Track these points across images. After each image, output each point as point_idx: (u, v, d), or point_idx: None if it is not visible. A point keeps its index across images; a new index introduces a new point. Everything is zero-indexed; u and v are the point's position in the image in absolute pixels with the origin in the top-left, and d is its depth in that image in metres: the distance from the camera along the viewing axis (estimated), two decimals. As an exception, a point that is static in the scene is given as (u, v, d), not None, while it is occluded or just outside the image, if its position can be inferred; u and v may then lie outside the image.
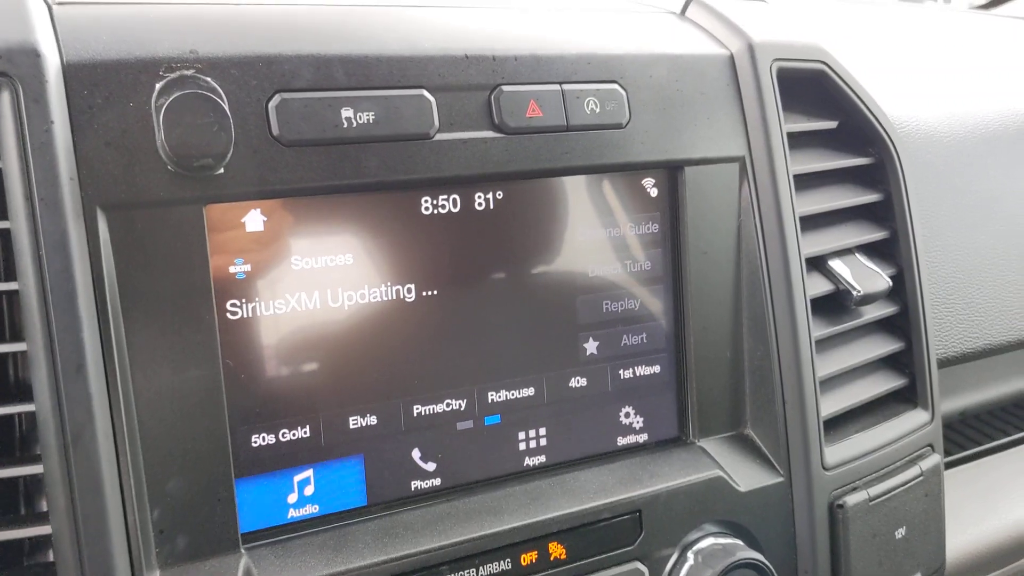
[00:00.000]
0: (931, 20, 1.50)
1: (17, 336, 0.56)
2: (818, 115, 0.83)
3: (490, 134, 0.65)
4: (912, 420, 0.85)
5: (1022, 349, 1.06)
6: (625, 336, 0.73)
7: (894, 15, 1.47)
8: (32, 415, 0.55)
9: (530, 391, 0.69)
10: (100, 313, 0.53)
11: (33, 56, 0.52)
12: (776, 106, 0.76)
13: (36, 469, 0.52)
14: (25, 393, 0.56)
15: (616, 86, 0.69)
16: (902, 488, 0.81)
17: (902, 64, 1.16)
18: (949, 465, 1.11)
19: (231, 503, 0.59)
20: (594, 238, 0.71)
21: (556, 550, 0.66)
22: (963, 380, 1.17)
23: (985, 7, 2.04)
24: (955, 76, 1.16)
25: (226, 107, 0.55)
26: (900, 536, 0.81)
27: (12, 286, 0.52)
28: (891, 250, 0.87)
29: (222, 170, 0.56)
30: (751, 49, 0.76)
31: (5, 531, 0.52)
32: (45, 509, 0.57)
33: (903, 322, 0.87)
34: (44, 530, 0.52)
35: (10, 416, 0.57)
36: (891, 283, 0.83)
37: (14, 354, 0.57)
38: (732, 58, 0.76)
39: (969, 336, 1.00)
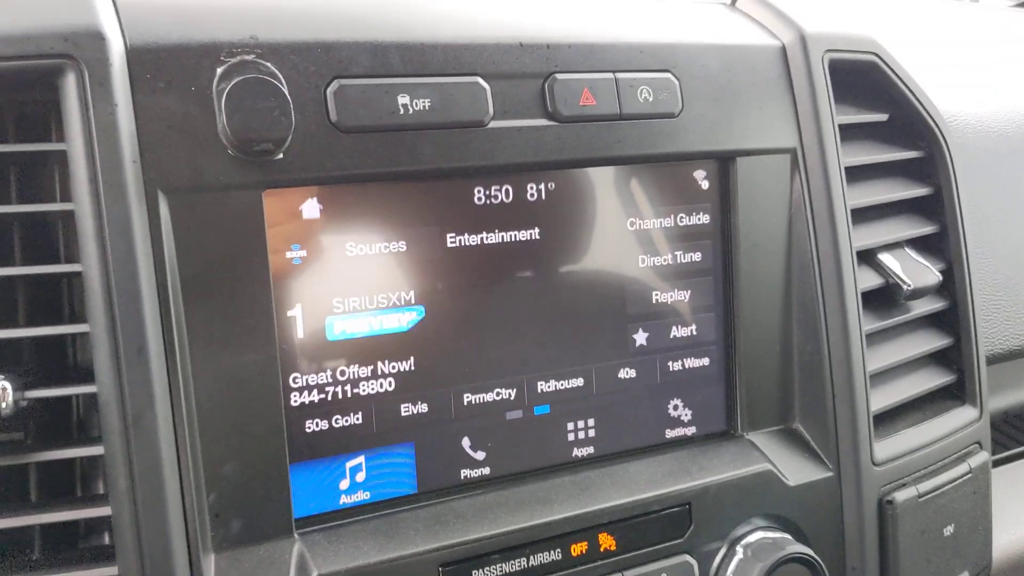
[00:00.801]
0: (973, 17, 1.48)
1: (78, 318, 0.56)
2: (869, 107, 0.82)
3: (544, 122, 0.65)
4: (961, 417, 0.84)
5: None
6: (674, 328, 0.72)
7: (937, 11, 1.45)
8: (89, 397, 0.56)
9: (579, 382, 0.69)
10: (161, 296, 0.54)
11: (98, 39, 0.53)
12: (828, 97, 0.75)
13: (97, 450, 0.52)
14: (85, 375, 0.56)
15: (669, 75, 0.69)
16: (951, 485, 0.80)
17: (949, 59, 1.14)
18: (992, 465, 1.09)
19: (286, 488, 0.59)
20: (644, 229, 0.70)
21: (606, 541, 0.65)
22: (1005, 380, 1.15)
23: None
24: (1003, 71, 1.14)
25: (286, 92, 0.56)
26: (948, 534, 0.80)
27: (76, 268, 0.53)
28: (940, 245, 0.86)
29: (281, 155, 0.57)
30: (803, 40, 0.75)
31: (65, 511, 0.53)
32: (102, 491, 0.57)
33: (952, 318, 0.86)
34: (104, 511, 0.52)
35: (68, 398, 0.57)
36: (941, 277, 0.82)
37: (73, 337, 0.57)
38: (784, 49, 0.75)
39: (1017, 333, 0.99)
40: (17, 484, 0.56)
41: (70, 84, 0.52)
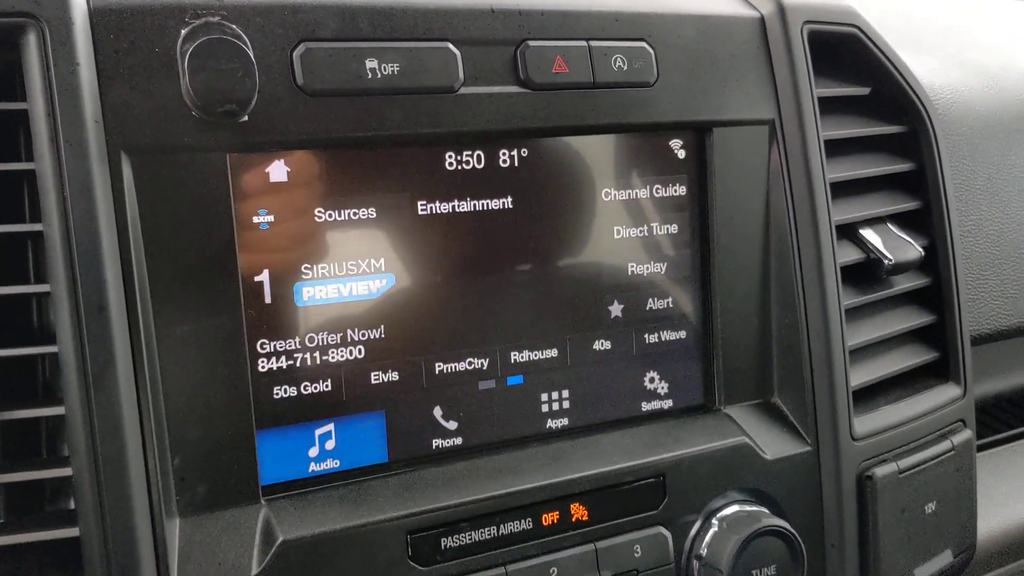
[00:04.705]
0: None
1: (41, 278, 0.56)
2: (850, 80, 0.81)
3: (515, 89, 0.64)
4: (944, 394, 0.83)
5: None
6: (651, 300, 0.72)
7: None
8: (53, 359, 0.55)
9: (553, 352, 0.69)
10: (123, 256, 0.53)
11: (60, -2, 0.52)
12: (807, 69, 0.75)
13: (58, 410, 0.52)
14: (48, 336, 0.56)
15: (644, 44, 0.68)
16: (933, 462, 0.79)
17: (940, 38, 1.13)
18: (982, 448, 1.09)
19: (252, 454, 0.58)
20: (619, 199, 0.70)
21: (578, 511, 0.65)
22: (997, 364, 1.14)
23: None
24: (994, 51, 1.14)
25: (251, 54, 0.55)
26: (930, 511, 0.79)
27: (37, 227, 0.52)
28: (923, 221, 0.85)
29: (246, 118, 0.56)
30: (782, 11, 0.74)
31: (27, 472, 0.52)
32: (66, 454, 0.57)
33: (935, 295, 0.85)
34: (64, 472, 0.52)
35: (33, 360, 0.57)
36: (923, 253, 0.81)
37: (38, 297, 0.57)
38: (763, 20, 0.74)
39: (1004, 313, 0.98)
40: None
41: (31, 43, 0.52)
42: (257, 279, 0.59)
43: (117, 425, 0.52)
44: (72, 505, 0.57)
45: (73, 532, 0.52)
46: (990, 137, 1.00)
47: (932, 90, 0.97)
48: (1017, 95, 1.06)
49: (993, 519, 0.99)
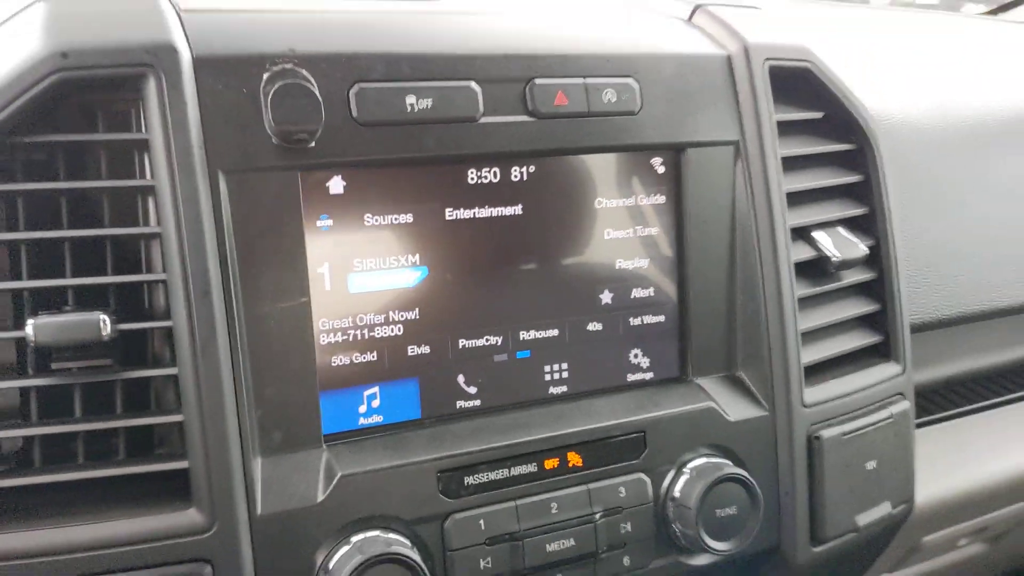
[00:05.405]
0: (937, 24, 1.61)
1: (151, 270, 0.71)
2: (805, 106, 0.96)
3: (525, 118, 0.79)
4: (885, 371, 0.98)
5: (993, 319, 1.19)
6: (635, 290, 0.87)
7: (897, 19, 1.59)
8: (161, 335, 0.71)
9: (555, 332, 0.84)
10: (222, 253, 0.69)
11: (172, 52, 0.68)
12: (767, 98, 0.89)
13: (172, 371, 0.67)
14: (159, 316, 0.71)
15: (630, 80, 0.83)
16: (873, 427, 0.94)
17: (896, 62, 1.28)
18: (929, 423, 1.24)
19: (316, 410, 0.74)
20: (610, 207, 0.85)
21: (574, 459, 0.80)
22: (950, 350, 1.29)
23: (992, 12, 2.14)
24: (945, 73, 1.28)
25: (318, 93, 0.70)
26: (871, 468, 0.94)
27: (156, 230, 0.68)
28: (869, 225, 1.00)
29: (314, 143, 0.71)
30: (746, 50, 0.89)
31: (149, 417, 0.68)
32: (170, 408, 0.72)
33: (880, 287, 1.00)
34: (177, 418, 0.67)
35: (143, 338, 0.72)
36: (868, 251, 0.96)
37: (149, 286, 0.72)
38: (730, 58, 0.89)
39: (944, 304, 1.13)
40: (104, 404, 0.70)
41: (151, 87, 0.67)
42: (319, 271, 0.74)
43: (218, 384, 0.68)
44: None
45: (184, 464, 0.67)
46: (934, 154, 1.15)
47: (882, 113, 1.12)
48: (962, 115, 1.21)
49: (935, 486, 1.13)
